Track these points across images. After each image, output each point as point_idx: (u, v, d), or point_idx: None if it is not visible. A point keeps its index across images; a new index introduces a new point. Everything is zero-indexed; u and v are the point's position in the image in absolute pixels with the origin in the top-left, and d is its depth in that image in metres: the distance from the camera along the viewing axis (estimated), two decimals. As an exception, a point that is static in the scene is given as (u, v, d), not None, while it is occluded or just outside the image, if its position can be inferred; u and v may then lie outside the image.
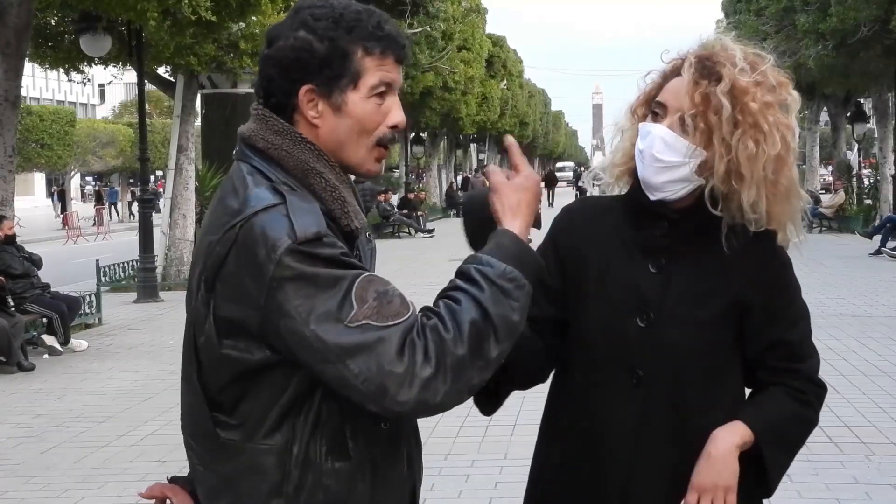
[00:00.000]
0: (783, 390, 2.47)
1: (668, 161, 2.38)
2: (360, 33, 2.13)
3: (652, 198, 2.43)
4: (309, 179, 2.12)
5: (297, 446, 2.10)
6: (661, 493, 2.43)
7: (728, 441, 2.38)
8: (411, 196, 40.69)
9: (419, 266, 19.39)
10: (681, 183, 2.40)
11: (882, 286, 18.09)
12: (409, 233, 36.26)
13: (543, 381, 2.63)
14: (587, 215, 2.56)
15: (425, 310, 2.05)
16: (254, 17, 18.01)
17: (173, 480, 2.42)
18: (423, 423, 2.40)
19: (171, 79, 21.31)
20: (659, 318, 2.42)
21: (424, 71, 34.94)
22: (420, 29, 32.28)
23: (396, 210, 37.76)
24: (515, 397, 2.74)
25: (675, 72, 2.46)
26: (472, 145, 66.79)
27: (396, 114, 2.20)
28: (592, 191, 2.65)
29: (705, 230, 2.44)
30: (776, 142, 2.37)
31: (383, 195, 37.15)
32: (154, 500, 2.40)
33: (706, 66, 2.40)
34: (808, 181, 43.00)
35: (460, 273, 2.08)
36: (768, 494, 2.51)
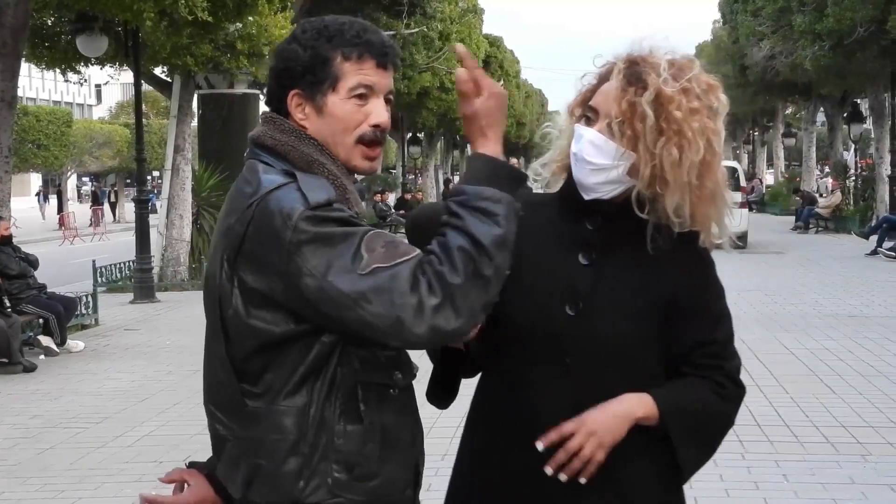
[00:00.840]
0: (703, 382, 2.53)
1: (598, 164, 2.47)
2: (339, 41, 2.33)
3: (586, 197, 2.53)
4: (313, 169, 2.31)
5: (314, 408, 2.27)
6: (596, 478, 2.45)
7: (630, 409, 2.44)
8: (408, 196, 40.68)
9: (416, 266, 19.41)
10: (613, 184, 2.49)
11: (878, 286, 18.12)
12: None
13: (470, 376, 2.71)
14: (526, 210, 2.55)
15: (423, 250, 2.20)
16: (250, 18, 18.01)
17: (191, 465, 2.55)
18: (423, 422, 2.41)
19: (168, 79, 21.30)
20: (588, 309, 2.49)
21: (421, 71, 34.94)
22: (417, 29, 32.28)
23: (393, 210, 37.76)
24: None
25: (608, 76, 2.54)
26: (468, 146, 66.76)
27: (377, 114, 2.36)
28: (534, 187, 2.69)
29: (637, 227, 2.51)
30: (700, 148, 2.43)
31: (380, 195, 37.16)
32: (174, 485, 2.52)
33: (634, 73, 2.47)
34: (805, 182, 43.05)
35: (444, 209, 2.24)
36: (681, 480, 2.56)
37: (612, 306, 2.49)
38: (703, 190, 2.46)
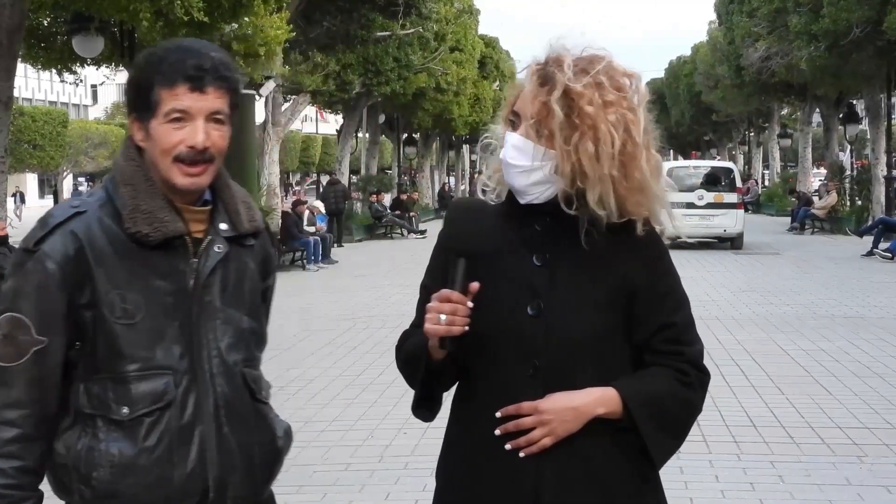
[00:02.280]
0: (665, 370, 2.55)
1: (521, 166, 2.50)
2: (158, 68, 2.46)
3: (522, 201, 2.55)
4: (118, 188, 2.51)
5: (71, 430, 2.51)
6: (575, 479, 2.49)
7: (591, 405, 2.47)
8: (404, 197, 40.68)
9: (412, 267, 19.39)
10: (543, 185, 2.51)
11: (874, 287, 18.15)
12: (402, 233, 36.27)
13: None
14: (471, 217, 2.63)
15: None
16: (246, 18, 18.00)
17: None
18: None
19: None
20: (548, 307, 2.50)
21: (417, 72, 34.91)
22: (413, 30, 32.26)
23: (389, 211, 37.76)
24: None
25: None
26: (464, 146, 66.79)
27: (191, 137, 2.45)
28: (489, 198, 2.71)
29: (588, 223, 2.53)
30: (616, 139, 2.46)
31: (376, 196, 37.16)
32: None
33: (545, 74, 2.50)
34: (801, 182, 43.10)
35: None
36: (646, 471, 2.57)
37: (570, 302, 2.51)
38: (631, 181, 2.48)
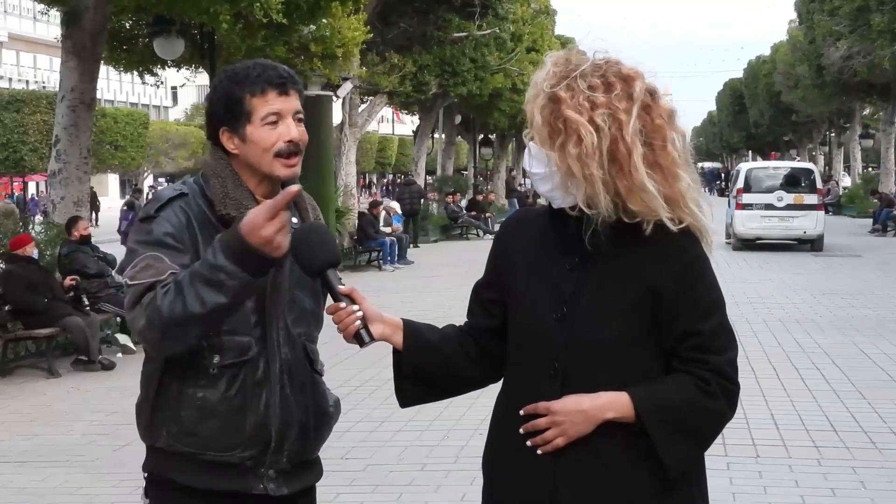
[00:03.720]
0: (686, 377, 2.55)
1: (536, 172, 2.60)
2: (245, 83, 2.90)
3: (554, 206, 2.63)
4: (210, 182, 2.93)
5: (160, 377, 2.99)
6: (590, 476, 2.55)
7: (601, 408, 2.52)
8: (479, 197, 40.68)
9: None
10: (560, 190, 2.57)
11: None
12: (478, 234, 36.27)
13: (481, 386, 2.90)
14: (518, 225, 2.79)
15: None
16: (324, 20, 18.14)
17: None
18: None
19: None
20: (572, 312, 2.57)
21: (493, 72, 34.88)
22: (489, 31, 32.27)
23: (464, 212, 37.79)
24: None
25: None
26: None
27: (287, 132, 2.89)
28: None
29: (620, 228, 2.55)
30: (600, 140, 2.49)
31: (451, 197, 37.21)
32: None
33: (534, 83, 2.60)
34: (883, 184, 42.38)
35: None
36: (667, 474, 2.55)
37: (594, 307, 2.56)
38: (631, 179, 2.50)
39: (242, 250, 2.61)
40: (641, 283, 2.55)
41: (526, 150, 2.65)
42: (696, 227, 2.60)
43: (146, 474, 3.10)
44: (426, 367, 2.81)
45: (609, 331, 2.54)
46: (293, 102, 2.92)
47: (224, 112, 2.92)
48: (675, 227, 2.54)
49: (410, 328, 2.83)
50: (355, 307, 2.69)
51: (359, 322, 2.69)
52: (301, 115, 2.93)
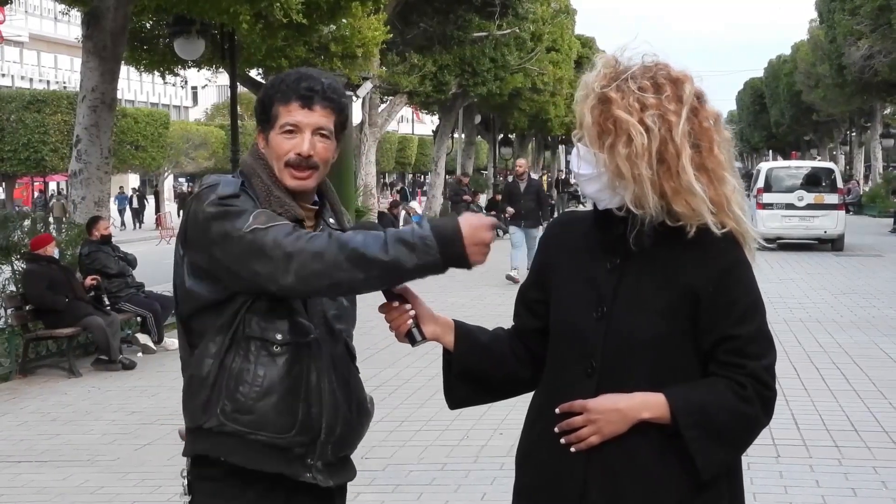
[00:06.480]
0: (723, 381, 2.56)
1: (584, 174, 2.62)
2: (277, 89, 3.00)
3: (599, 207, 2.65)
4: (252, 179, 3.01)
5: (218, 356, 2.93)
6: (621, 473, 2.56)
7: (636, 408, 2.53)
8: (499, 197, 40.62)
9: (507, 268, 19.35)
10: (608, 191, 2.59)
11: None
12: (498, 234, 36.16)
13: (531, 388, 2.86)
14: (563, 227, 2.83)
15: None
16: (344, 20, 18.17)
17: None
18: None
19: (263, 81, 21.57)
20: (611, 311, 2.59)
21: (513, 72, 34.85)
22: (509, 30, 32.25)
23: (484, 211, 37.77)
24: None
25: None
26: (560, 147, 66.60)
27: (298, 145, 2.96)
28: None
29: (662, 229, 2.57)
30: (650, 140, 2.50)
31: (471, 196, 37.18)
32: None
33: (585, 83, 2.61)
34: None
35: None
36: (700, 477, 2.55)
37: (632, 307, 2.57)
38: (679, 181, 2.52)
39: (452, 236, 2.64)
40: (680, 284, 2.56)
41: (574, 152, 2.68)
42: (739, 232, 2.62)
43: (189, 459, 3.03)
44: (477, 368, 2.82)
45: (646, 330, 2.55)
46: (316, 118, 2.98)
47: (261, 112, 3.05)
48: (718, 230, 2.56)
49: (462, 329, 2.84)
50: (408, 306, 2.74)
51: (411, 321, 2.75)
52: (324, 132, 2.99)
